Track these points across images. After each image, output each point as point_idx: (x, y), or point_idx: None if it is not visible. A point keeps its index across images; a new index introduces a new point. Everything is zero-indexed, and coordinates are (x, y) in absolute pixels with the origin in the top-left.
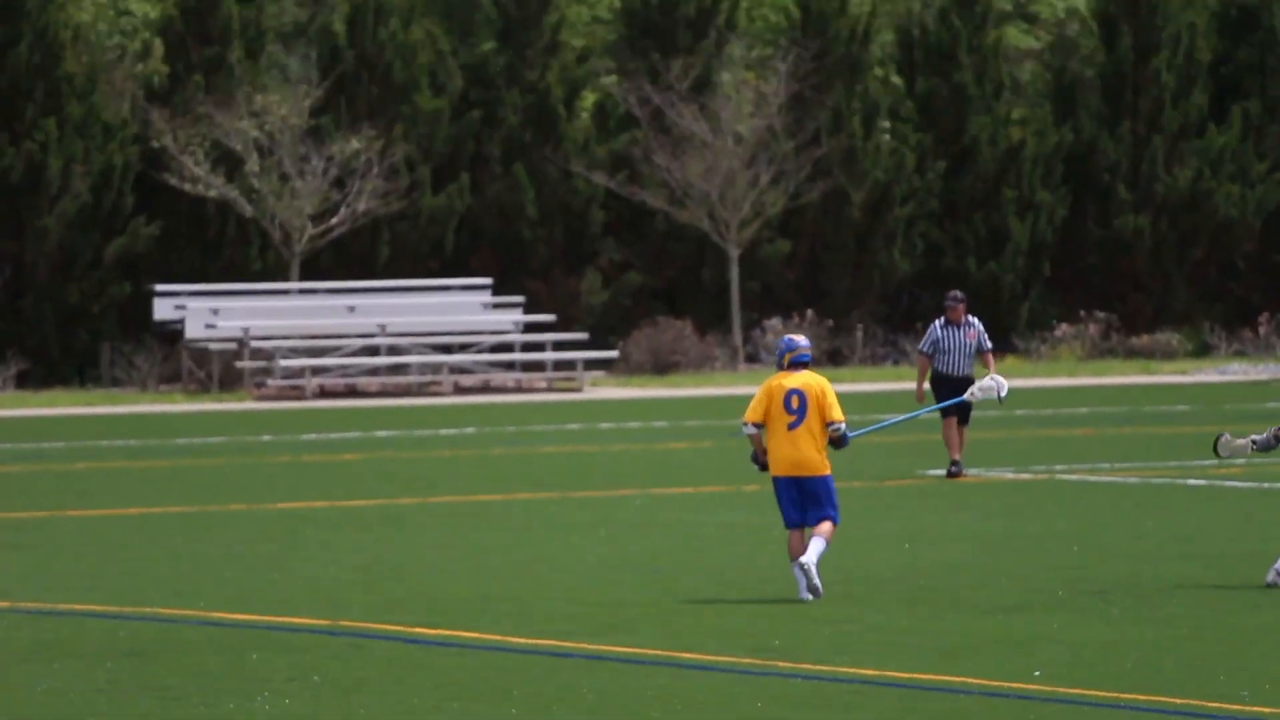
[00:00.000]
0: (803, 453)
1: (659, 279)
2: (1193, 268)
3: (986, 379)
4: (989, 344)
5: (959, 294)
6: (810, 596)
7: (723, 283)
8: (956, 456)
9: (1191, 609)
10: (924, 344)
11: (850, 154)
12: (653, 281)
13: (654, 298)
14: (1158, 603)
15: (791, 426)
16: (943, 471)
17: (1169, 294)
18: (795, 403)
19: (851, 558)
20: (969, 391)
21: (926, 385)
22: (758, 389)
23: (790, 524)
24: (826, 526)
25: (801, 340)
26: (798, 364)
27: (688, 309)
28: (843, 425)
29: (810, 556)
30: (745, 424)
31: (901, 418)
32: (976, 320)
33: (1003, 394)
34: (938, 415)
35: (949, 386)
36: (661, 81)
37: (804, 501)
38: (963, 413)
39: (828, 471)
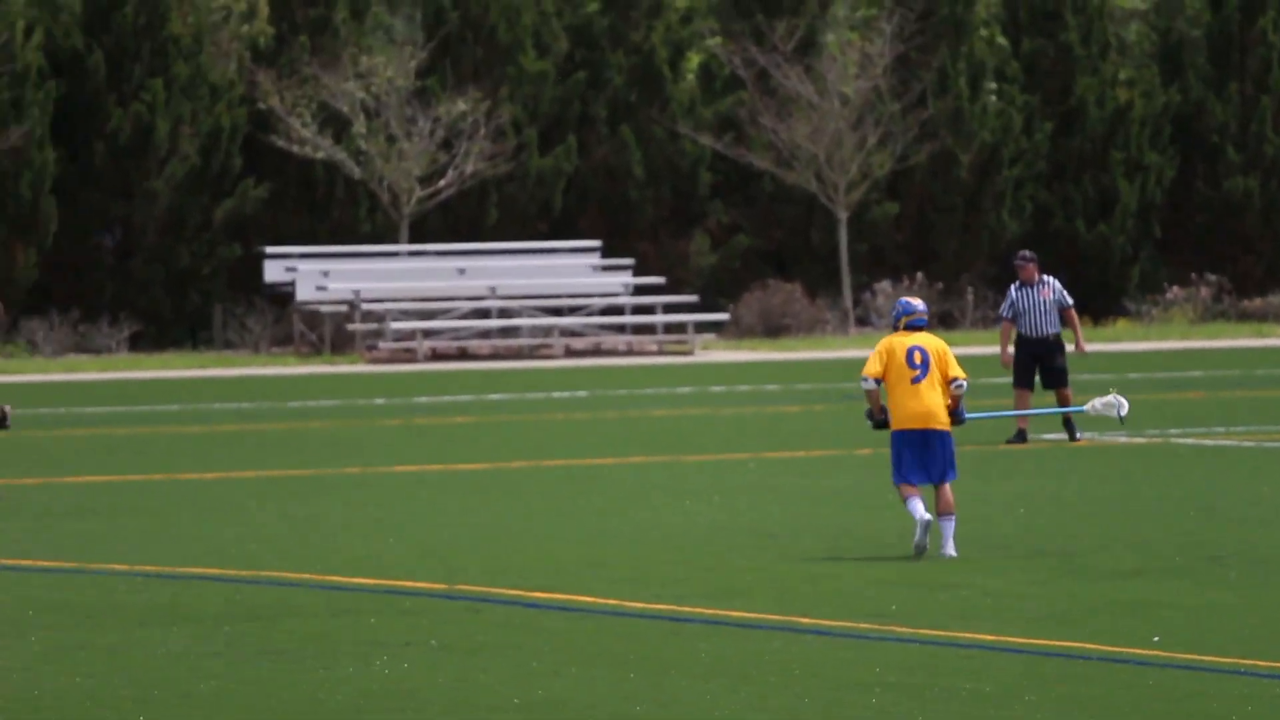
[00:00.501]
0: (928, 405)
1: (768, 241)
2: None
3: (1110, 396)
4: (1069, 299)
5: (1028, 253)
6: (914, 548)
7: (831, 245)
8: (1023, 426)
9: None
10: (1003, 309)
11: (957, 115)
12: (761, 244)
13: (763, 260)
14: (1276, 568)
15: (916, 380)
16: (1061, 436)
17: (1279, 254)
18: (918, 358)
19: (967, 522)
20: (1089, 405)
21: (1011, 349)
22: (870, 350)
23: (906, 479)
24: (949, 492)
25: (918, 303)
26: (914, 328)
27: (797, 271)
28: (965, 383)
29: (943, 523)
30: (865, 378)
31: (1021, 413)
32: (1052, 278)
33: (1123, 413)
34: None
35: (1030, 349)
36: (766, 42)
37: (926, 456)
38: (1057, 375)
39: (950, 428)
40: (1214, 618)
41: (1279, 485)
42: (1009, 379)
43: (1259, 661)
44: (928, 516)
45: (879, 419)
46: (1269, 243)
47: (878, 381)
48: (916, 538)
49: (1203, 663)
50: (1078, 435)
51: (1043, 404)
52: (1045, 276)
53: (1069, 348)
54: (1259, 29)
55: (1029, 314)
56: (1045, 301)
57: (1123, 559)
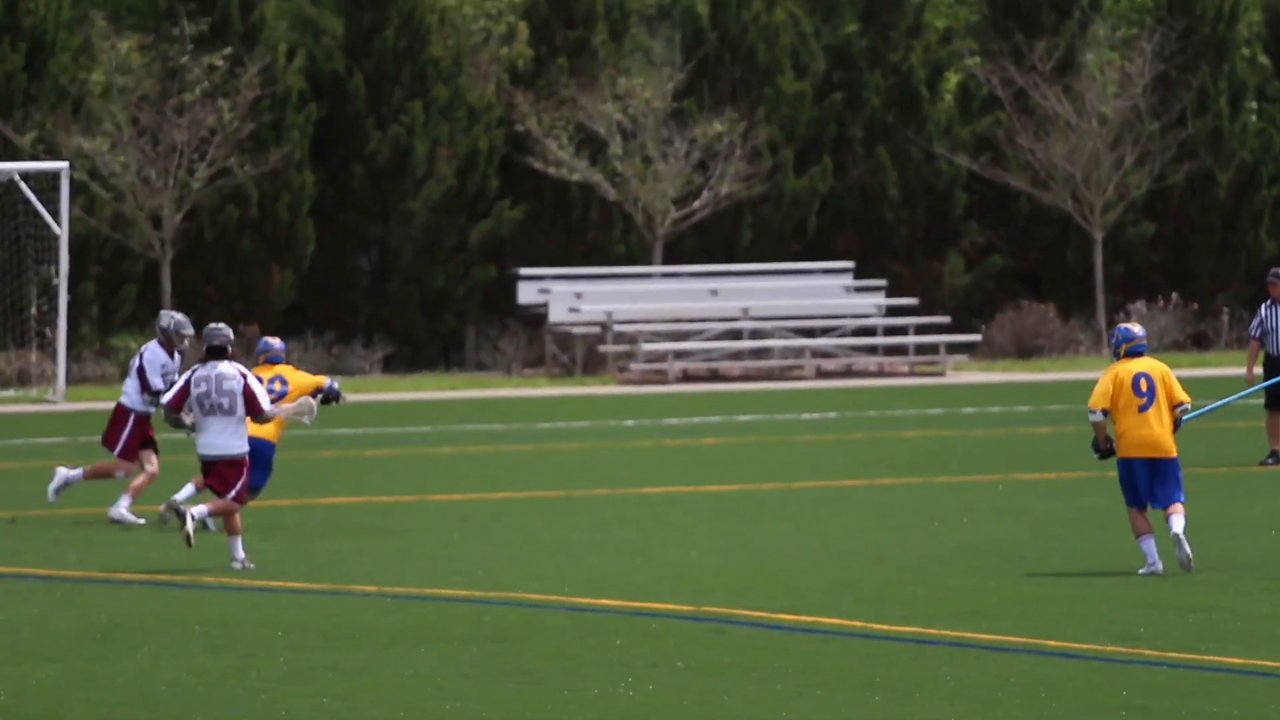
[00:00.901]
0: (1156, 433)
1: (1022, 261)
2: None
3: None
4: None
5: (1278, 270)
6: (1178, 564)
7: (1086, 265)
8: (1277, 447)
9: None
10: (1252, 327)
11: (1216, 134)
12: (1016, 264)
13: (1017, 280)
14: None
15: (1143, 409)
16: None
17: None
18: (1144, 385)
19: (1215, 544)
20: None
21: (1259, 369)
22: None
23: (1136, 503)
24: (1179, 508)
25: (1138, 329)
26: (1135, 354)
27: (1051, 292)
28: (1189, 405)
29: (1179, 526)
30: (1093, 410)
31: (1227, 400)
32: None
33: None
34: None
35: (1278, 369)
36: (1025, 62)
37: (1154, 482)
38: None
39: (1177, 453)
40: None
41: None
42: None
43: None
44: (1160, 567)
45: (1105, 449)
46: None
47: (1105, 413)
48: (1148, 565)
49: None
50: None
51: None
52: None
53: None
54: None
55: (1277, 332)
56: None
57: None
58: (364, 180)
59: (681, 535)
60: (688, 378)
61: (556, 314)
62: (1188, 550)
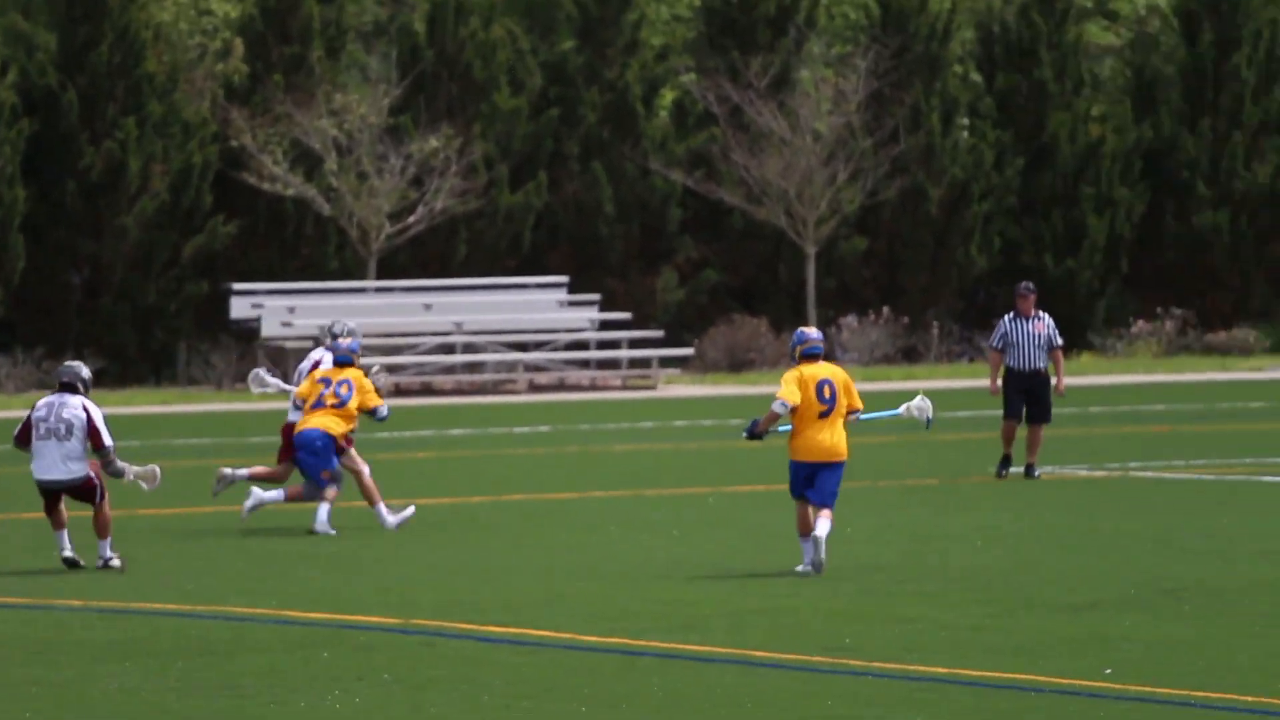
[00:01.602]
0: (831, 440)
1: (735, 277)
2: (1271, 264)
3: (918, 399)
4: (1059, 340)
5: (1029, 285)
6: (813, 570)
7: (799, 280)
8: (1008, 452)
9: (1265, 607)
10: (993, 339)
11: (929, 151)
12: (729, 279)
13: (730, 295)
14: (1231, 601)
15: (823, 415)
16: (1019, 470)
17: (1247, 290)
18: (827, 392)
19: (924, 555)
20: (902, 407)
21: (999, 381)
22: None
23: (803, 495)
24: (828, 513)
25: (813, 333)
26: (810, 356)
27: (764, 307)
28: (861, 413)
29: (823, 530)
30: (785, 403)
31: (893, 412)
32: (1047, 315)
33: (929, 416)
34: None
35: (1021, 381)
36: (740, 79)
37: (818, 481)
38: (1041, 411)
39: (846, 458)
40: (1168, 651)
41: (1238, 518)
42: (995, 409)
43: (1212, 694)
44: (809, 569)
45: (761, 431)
46: (1236, 277)
47: (794, 409)
48: (809, 561)
49: (1156, 695)
50: (1035, 473)
51: (1022, 439)
52: (1040, 311)
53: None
54: (1233, 65)
55: (1020, 347)
56: (1038, 335)
57: (1079, 592)
58: (76, 196)
59: (392, 549)
60: (400, 392)
61: (270, 329)
62: (822, 555)
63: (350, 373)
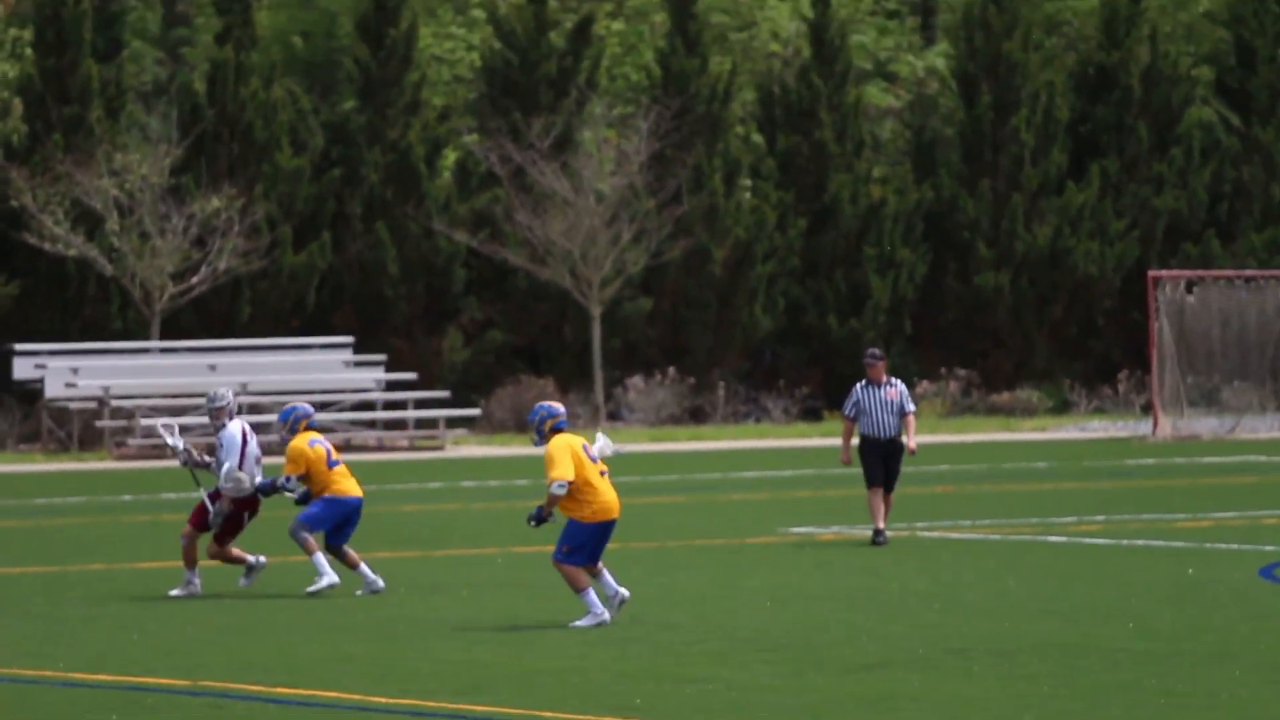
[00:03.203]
0: (614, 496)
1: (521, 337)
2: (1053, 325)
3: (599, 440)
4: (911, 406)
5: (877, 351)
6: (618, 607)
7: (585, 340)
8: (880, 525)
9: (1052, 666)
10: (846, 407)
11: (712, 212)
12: (515, 339)
13: (516, 355)
14: (1019, 660)
15: (604, 474)
16: (807, 529)
17: (1029, 351)
18: (592, 453)
19: (713, 616)
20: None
21: (855, 444)
22: (568, 449)
23: (588, 560)
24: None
25: (558, 406)
26: (560, 429)
27: (550, 367)
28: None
29: (613, 579)
30: (563, 483)
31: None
32: (899, 381)
33: (614, 448)
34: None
35: (877, 449)
36: (523, 140)
37: (604, 543)
38: (892, 478)
39: None
40: (957, 709)
41: (1023, 577)
42: (775, 470)
43: None
44: (608, 616)
45: (546, 517)
46: (1019, 338)
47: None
48: (609, 616)
49: None
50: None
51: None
52: (892, 378)
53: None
54: (1011, 127)
55: (874, 413)
56: (891, 402)
57: (867, 652)
58: None
59: (177, 611)
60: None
61: (53, 389)
62: (625, 593)
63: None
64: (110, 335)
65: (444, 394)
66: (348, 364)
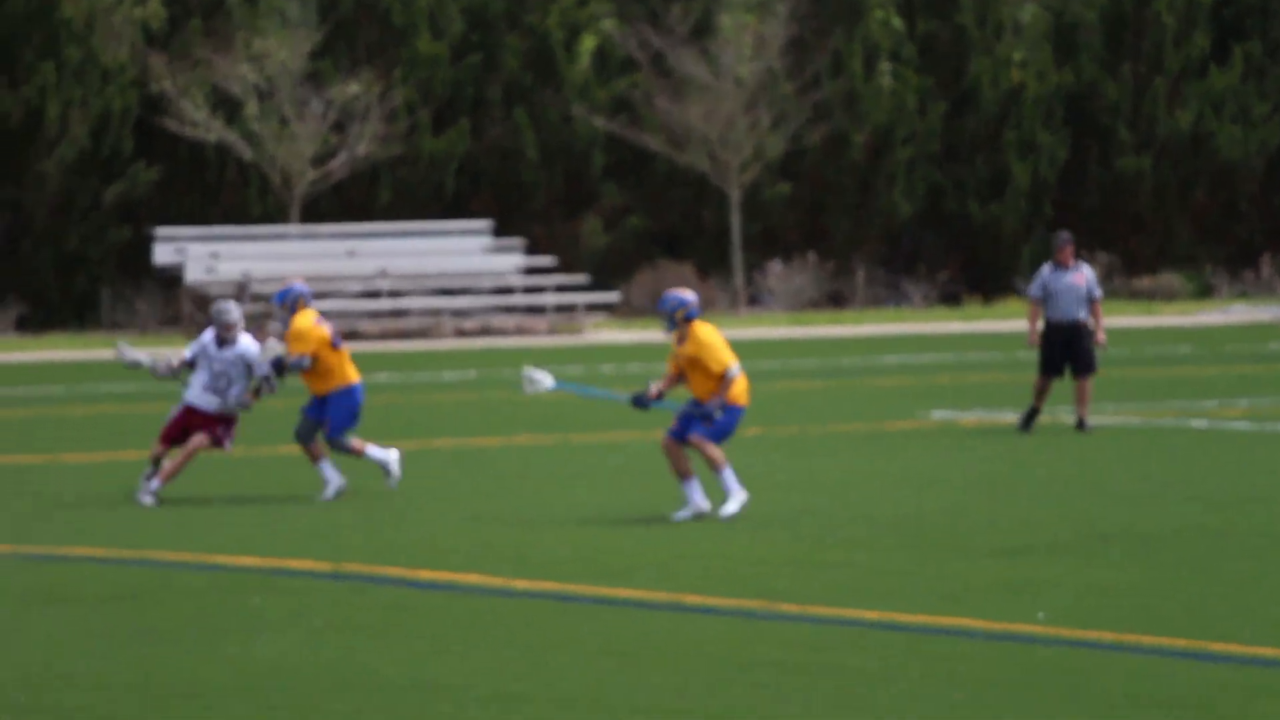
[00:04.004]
0: None
1: (660, 222)
2: (1194, 209)
3: (533, 371)
4: (1099, 291)
5: (1067, 234)
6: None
7: (723, 226)
8: (1038, 405)
9: (1194, 552)
10: (1032, 288)
11: (851, 97)
12: (653, 225)
13: (655, 241)
14: (1160, 545)
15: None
16: (948, 413)
17: (1171, 236)
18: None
19: (854, 501)
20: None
21: (1040, 328)
22: (718, 336)
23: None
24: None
25: (691, 294)
26: (692, 318)
27: (689, 252)
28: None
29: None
30: (734, 367)
31: (597, 393)
32: (1086, 265)
33: (546, 384)
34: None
35: (1060, 334)
36: (661, 25)
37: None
38: (1085, 363)
39: None
40: (1098, 595)
41: (1166, 463)
42: (914, 354)
43: (1142, 638)
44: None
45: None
46: (1160, 222)
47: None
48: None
49: (1086, 639)
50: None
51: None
52: (1079, 262)
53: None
54: (1153, 10)
55: (1060, 297)
56: (1078, 287)
57: (1008, 537)
58: None
59: (315, 494)
60: None
61: (193, 274)
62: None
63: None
64: (250, 220)
65: (583, 279)
66: (486, 249)
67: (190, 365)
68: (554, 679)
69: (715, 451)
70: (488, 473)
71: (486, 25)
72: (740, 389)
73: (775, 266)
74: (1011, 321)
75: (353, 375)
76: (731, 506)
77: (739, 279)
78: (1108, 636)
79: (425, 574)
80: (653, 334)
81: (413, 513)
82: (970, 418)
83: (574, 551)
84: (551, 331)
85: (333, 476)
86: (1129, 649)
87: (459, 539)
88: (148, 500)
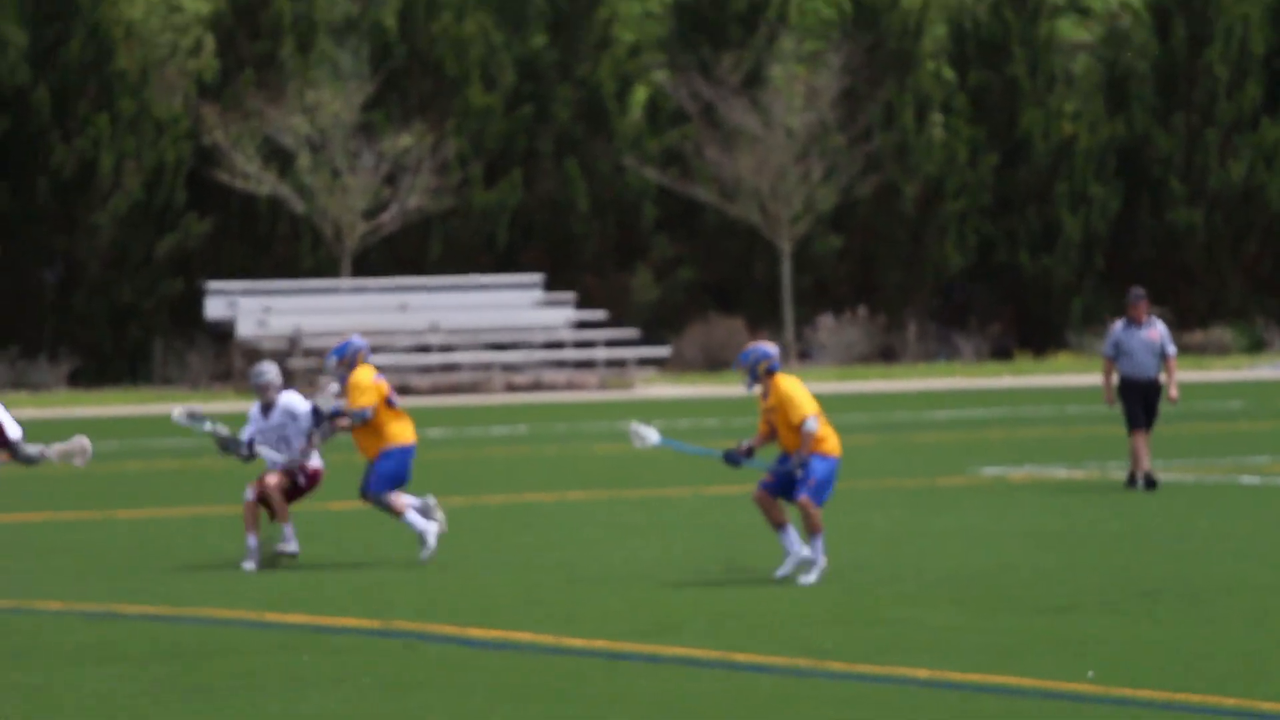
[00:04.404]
0: None
1: (711, 275)
2: (1246, 262)
3: (640, 426)
4: (1172, 348)
5: (1140, 290)
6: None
7: (774, 278)
8: (1146, 467)
9: (1243, 609)
10: (1106, 346)
11: (902, 148)
12: (704, 277)
13: (706, 293)
14: (1209, 602)
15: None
16: (999, 469)
17: (1222, 288)
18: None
19: (904, 556)
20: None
21: (1115, 384)
22: (800, 388)
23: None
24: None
25: (773, 348)
26: (774, 371)
27: (739, 306)
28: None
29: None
30: (814, 418)
31: (694, 450)
32: (1159, 320)
33: (648, 442)
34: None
35: (1137, 390)
36: (713, 76)
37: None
38: (1151, 419)
39: None
40: (1148, 652)
41: (1215, 519)
42: (968, 409)
43: (1191, 695)
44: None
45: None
46: (1212, 275)
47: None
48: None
49: (1136, 698)
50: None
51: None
52: (1152, 317)
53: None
54: (1205, 61)
55: (1135, 354)
56: (1152, 343)
57: (1057, 594)
58: (48, 193)
59: (368, 551)
60: None
61: (245, 328)
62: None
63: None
64: (301, 273)
65: (634, 332)
66: (537, 302)
67: (251, 445)
68: None
69: (817, 515)
70: (538, 528)
71: (538, 77)
72: (828, 440)
73: (826, 320)
74: (1063, 376)
75: (406, 436)
76: (813, 576)
77: (789, 332)
78: (1159, 695)
79: (476, 631)
80: (703, 388)
81: (463, 568)
82: (1021, 473)
83: (624, 607)
84: (602, 386)
85: (421, 523)
86: (1179, 707)
87: (509, 595)
88: (290, 548)
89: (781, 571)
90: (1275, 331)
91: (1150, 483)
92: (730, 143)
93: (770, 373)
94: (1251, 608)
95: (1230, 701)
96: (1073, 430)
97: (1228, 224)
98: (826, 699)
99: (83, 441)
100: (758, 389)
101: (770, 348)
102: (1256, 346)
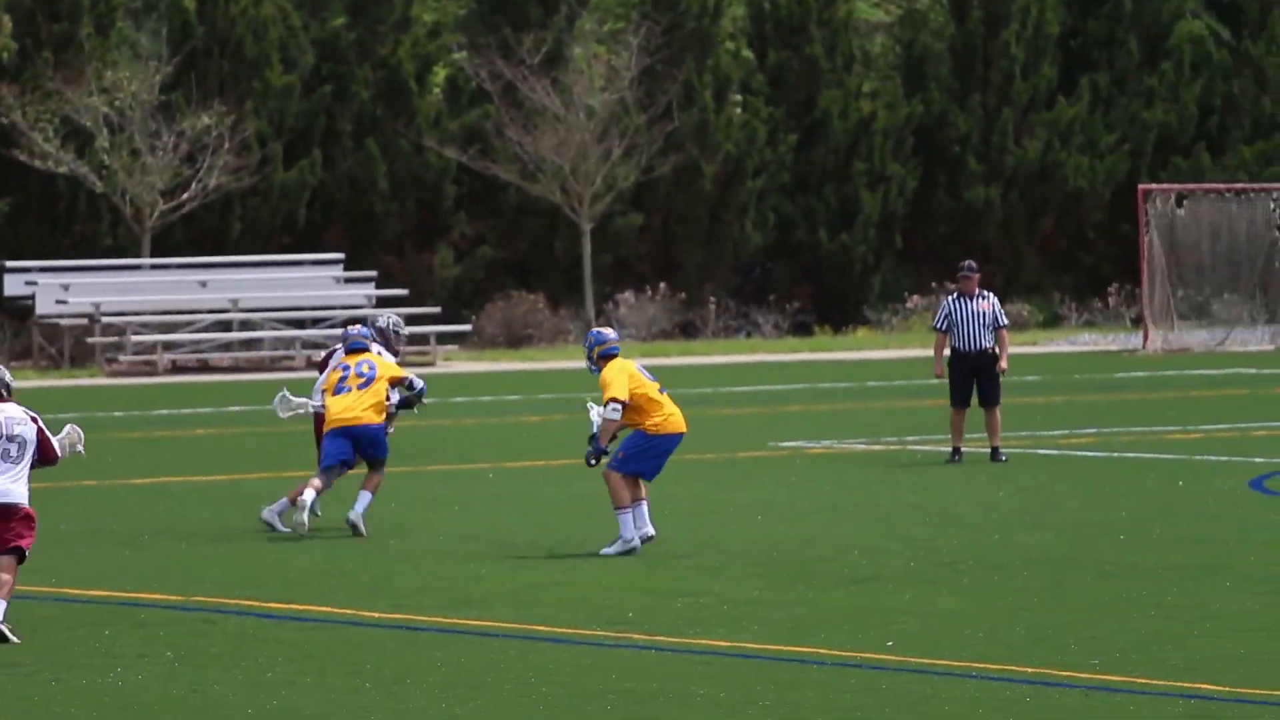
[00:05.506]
0: (680, 413)
1: (512, 253)
2: (1043, 239)
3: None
4: (1004, 320)
5: (972, 264)
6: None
7: (575, 256)
8: (959, 445)
9: (1042, 579)
10: (937, 319)
11: (702, 127)
12: (505, 255)
13: (507, 271)
14: (1008, 573)
15: (662, 390)
16: (798, 443)
17: (1019, 265)
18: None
19: (705, 530)
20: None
21: (946, 355)
22: (617, 373)
23: (648, 473)
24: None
25: (610, 333)
26: (610, 355)
27: (540, 283)
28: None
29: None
30: (617, 405)
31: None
32: (991, 293)
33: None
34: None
35: (967, 363)
36: (513, 56)
37: (668, 454)
38: (993, 392)
39: None
40: (946, 623)
41: (1015, 491)
42: (760, 385)
43: (990, 664)
44: (637, 545)
45: (604, 450)
46: (1009, 251)
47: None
48: (639, 545)
49: (934, 667)
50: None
51: (975, 422)
52: (985, 290)
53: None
54: (1001, 41)
55: (965, 326)
56: (983, 314)
57: (857, 566)
58: None
59: (171, 526)
60: (177, 369)
61: (44, 306)
62: (653, 531)
63: (367, 355)
64: (101, 252)
65: (435, 310)
66: (338, 281)
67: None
68: (405, 709)
69: (616, 484)
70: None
71: (338, 57)
72: (671, 414)
73: (627, 297)
74: (862, 351)
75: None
76: (611, 548)
77: (590, 310)
78: (955, 664)
79: (276, 605)
80: (504, 364)
81: (265, 543)
82: (819, 447)
83: (424, 581)
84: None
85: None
86: (977, 676)
87: (310, 568)
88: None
89: (608, 550)
90: (1070, 307)
91: (956, 456)
92: (530, 122)
93: (606, 356)
94: (1049, 579)
95: (1027, 670)
96: (871, 404)
97: (1024, 201)
98: (625, 669)
99: (76, 429)
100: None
101: (608, 332)
102: (1053, 321)
